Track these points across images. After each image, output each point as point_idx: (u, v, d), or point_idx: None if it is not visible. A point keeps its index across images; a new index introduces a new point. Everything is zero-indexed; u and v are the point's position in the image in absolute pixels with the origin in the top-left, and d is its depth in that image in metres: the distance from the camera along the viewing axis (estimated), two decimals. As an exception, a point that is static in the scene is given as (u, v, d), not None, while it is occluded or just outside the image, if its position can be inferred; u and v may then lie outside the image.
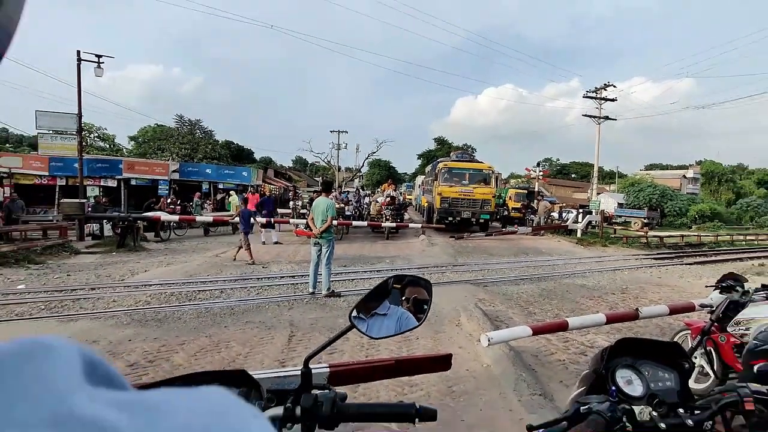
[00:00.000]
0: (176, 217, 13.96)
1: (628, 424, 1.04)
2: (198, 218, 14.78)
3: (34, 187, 19.81)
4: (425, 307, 1.05)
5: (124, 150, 38.38)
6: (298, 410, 0.87)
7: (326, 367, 1.26)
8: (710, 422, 1.06)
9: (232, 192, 19.72)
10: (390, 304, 1.03)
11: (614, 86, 23.32)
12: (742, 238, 21.77)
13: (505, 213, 23.43)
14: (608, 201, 29.33)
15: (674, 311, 4.32)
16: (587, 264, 11.53)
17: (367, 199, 19.85)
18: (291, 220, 14.66)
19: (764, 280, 5.23)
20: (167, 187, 21.96)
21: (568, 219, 19.87)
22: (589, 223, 18.64)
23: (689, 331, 3.89)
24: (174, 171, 23.17)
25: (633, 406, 1.08)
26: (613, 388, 1.13)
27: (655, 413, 1.07)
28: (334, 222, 7.41)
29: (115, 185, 21.19)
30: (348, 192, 22.86)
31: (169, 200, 17.10)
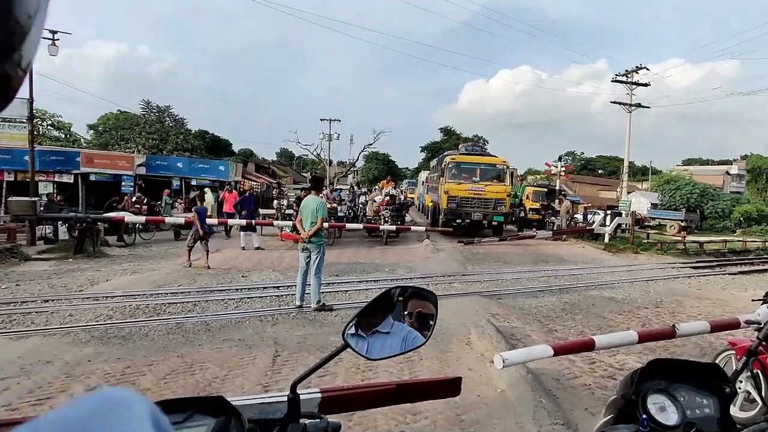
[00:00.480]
0: (142, 219, 13.95)
1: None
2: (168, 219, 14.77)
3: (-24, 183, 19.73)
4: (431, 322, 1.06)
5: (83, 140, 38.30)
6: None
7: (317, 393, 1.27)
8: None
9: (207, 189, 19.71)
10: (393, 320, 1.04)
11: (647, 69, 23.48)
12: (793, 244, 21.84)
13: (522, 214, 23.54)
14: (640, 201, 29.46)
15: (716, 328, 4.34)
16: (616, 274, 11.58)
17: (362, 198, 19.86)
18: (275, 222, 14.68)
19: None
20: (132, 184, 21.90)
21: (594, 222, 19.94)
22: (619, 226, 18.72)
23: (733, 352, 3.91)
24: (140, 165, 23.11)
25: None
26: (644, 416, 1.14)
27: None
28: (325, 224, 7.41)
29: (72, 181, 21.09)
30: (341, 190, 22.92)
31: (134, 199, 17.05)
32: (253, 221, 13.44)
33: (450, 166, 18.14)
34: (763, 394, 3.49)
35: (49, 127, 36.04)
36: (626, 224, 18.83)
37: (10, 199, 14.32)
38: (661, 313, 7.75)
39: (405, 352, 1.04)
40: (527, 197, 27.06)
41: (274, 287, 8.35)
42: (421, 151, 67.59)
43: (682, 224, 27.64)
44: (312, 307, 6.87)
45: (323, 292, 7.20)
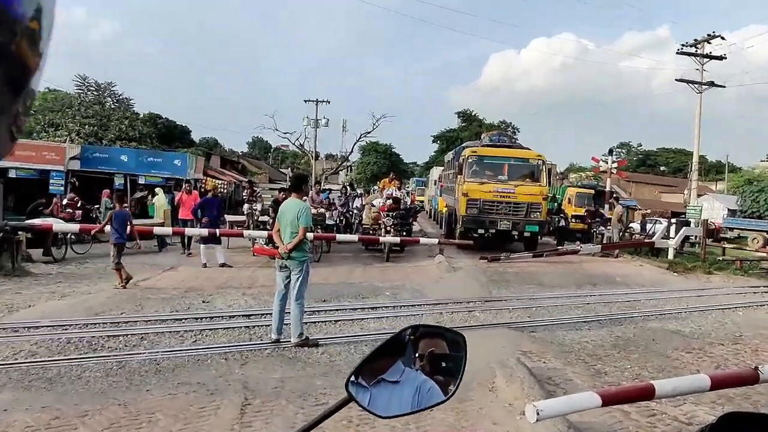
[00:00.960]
0: (76, 227, 13.96)
1: None
2: (108, 228, 14.76)
3: None
4: (454, 371, 1.07)
5: None
6: None
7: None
8: None
9: (158, 189, 19.77)
10: (404, 367, 1.06)
11: (722, 38, 23.60)
12: None
13: (562, 223, 23.49)
14: (714, 206, 29.50)
15: (811, 372, 4.33)
16: (683, 300, 11.55)
17: (358, 202, 19.90)
18: (245, 232, 14.68)
19: None
20: (63, 182, 22.00)
21: (654, 233, 19.93)
22: (686, 238, 18.71)
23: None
24: (73, 158, 23.23)
25: None
26: None
27: None
28: (309, 235, 7.44)
29: (-14, 178, 21.22)
30: (330, 191, 22.95)
31: (65, 201, 17.11)
32: (217, 231, 13.44)
33: (470, 161, 18.18)
34: None
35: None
36: (696, 236, 18.81)
37: None
38: (740, 352, 7.73)
39: (421, 410, 1.05)
40: (569, 201, 27.08)
41: (243, 316, 8.33)
42: (433, 141, 68.07)
43: (768, 237, 27.64)
44: (292, 341, 6.85)
45: (306, 323, 7.19)
